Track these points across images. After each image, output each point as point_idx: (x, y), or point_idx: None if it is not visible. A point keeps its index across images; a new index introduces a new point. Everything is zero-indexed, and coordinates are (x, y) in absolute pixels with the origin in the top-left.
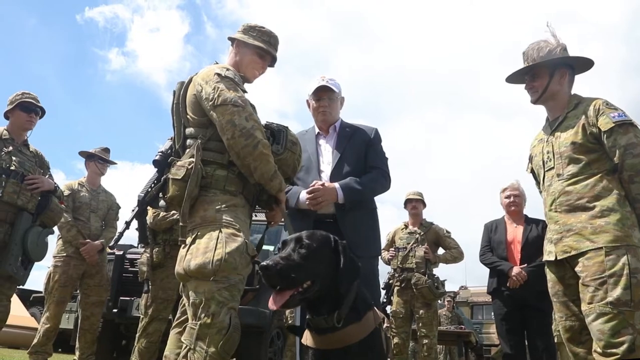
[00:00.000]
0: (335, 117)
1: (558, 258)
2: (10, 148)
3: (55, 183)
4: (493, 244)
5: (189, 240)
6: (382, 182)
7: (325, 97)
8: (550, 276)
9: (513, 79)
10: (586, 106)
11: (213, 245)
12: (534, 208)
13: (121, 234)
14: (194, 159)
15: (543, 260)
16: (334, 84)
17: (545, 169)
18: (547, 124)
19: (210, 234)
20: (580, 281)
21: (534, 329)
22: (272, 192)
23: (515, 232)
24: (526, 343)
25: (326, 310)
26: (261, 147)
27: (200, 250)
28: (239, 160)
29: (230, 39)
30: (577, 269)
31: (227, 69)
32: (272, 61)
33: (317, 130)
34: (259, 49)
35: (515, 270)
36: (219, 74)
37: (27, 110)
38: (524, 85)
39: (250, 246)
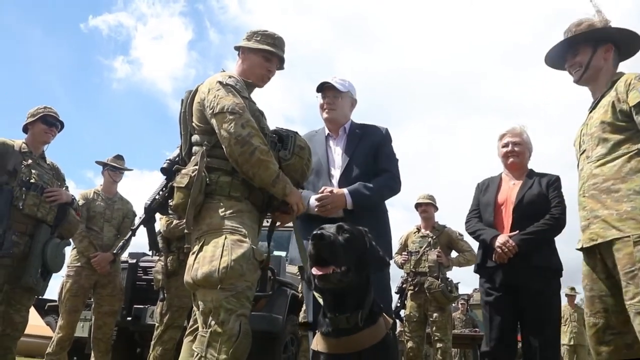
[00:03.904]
0: (342, 117)
1: (584, 246)
2: (30, 161)
3: (72, 195)
4: (481, 206)
5: (196, 248)
6: (392, 185)
7: (330, 95)
8: (583, 268)
9: (552, 61)
10: (619, 82)
11: (219, 253)
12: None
13: (127, 241)
14: (197, 167)
15: (576, 247)
16: (342, 83)
17: (580, 152)
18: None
19: (216, 241)
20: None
21: (527, 319)
22: (278, 197)
23: (510, 191)
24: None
25: (350, 308)
26: (258, 153)
27: (206, 259)
28: (238, 168)
29: (236, 48)
30: (609, 262)
31: (230, 77)
32: (280, 63)
33: (327, 131)
34: (264, 52)
35: (501, 239)
36: (220, 82)
37: (48, 123)
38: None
39: (257, 251)
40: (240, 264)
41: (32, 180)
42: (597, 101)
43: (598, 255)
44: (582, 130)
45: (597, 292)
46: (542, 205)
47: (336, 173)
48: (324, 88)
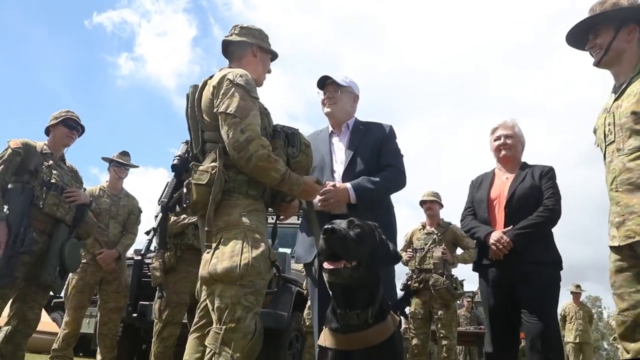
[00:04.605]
0: (342, 112)
1: (621, 244)
2: (51, 162)
3: (90, 197)
4: (475, 203)
5: (213, 244)
6: (396, 180)
7: (330, 90)
8: (610, 264)
9: (573, 41)
10: None
11: (239, 249)
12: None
13: (150, 241)
14: (216, 164)
15: (609, 244)
16: (343, 78)
17: (606, 143)
18: (612, 90)
19: (236, 238)
20: None
21: (523, 300)
22: (293, 196)
23: (502, 186)
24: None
25: (360, 305)
26: (255, 159)
27: (226, 254)
28: (241, 169)
29: (226, 41)
30: None
31: (241, 75)
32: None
33: (330, 128)
34: (273, 54)
35: (495, 235)
36: (230, 80)
37: (69, 127)
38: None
39: (272, 251)
40: (259, 262)
41: (52, 181)
42: (624, 87)
43: (627, 250)
44: (606, 118)
45: (626, 289)
46: (535, 197)
47: (339, 168)
48: (325, 84)
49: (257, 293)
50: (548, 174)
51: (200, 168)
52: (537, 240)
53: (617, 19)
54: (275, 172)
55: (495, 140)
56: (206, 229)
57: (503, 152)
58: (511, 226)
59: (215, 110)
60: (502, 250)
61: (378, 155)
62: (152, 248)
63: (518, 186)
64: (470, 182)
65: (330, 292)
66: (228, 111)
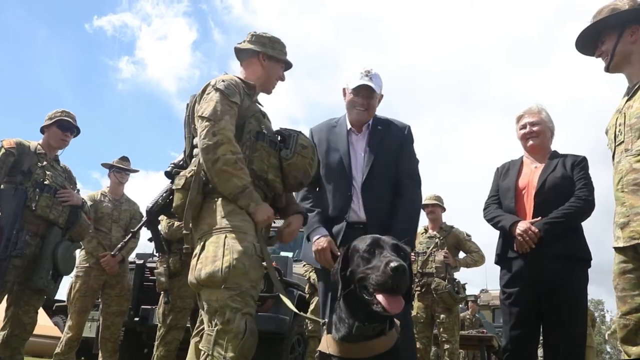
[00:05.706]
0: (371, 117)
1: (625, 245)
2: (44, 163)
3: (82, 199)
4: (501, 192)
5: (198, 248)
6: (419, 202)
7: (364, 95)
8: (614, 266)
9: (583, 48)
10: None
11: (221, 252)
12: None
13: (125, 242)
14: (195, 168)
15: (613, 245)
16: (378, 82)
17: (616, 144)
18: (626, 92)
19: (217, 240)
20: None
21: (549, 314)
22: (248, 212)
23: (531, 175)
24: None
25: (381, 319)
26: (221, 164)
27: (209, 259)
28: (207, 174)
29: (238, 49)
30: None
31: (223, 80)
32: (286, 67)
33: (349, 125)
34: (285, 62)
35: (522, 226)
36: (212, 86)
37: (63, 128)
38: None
39: (258, 247)
40: (242, 262)
41: (46, 182)
42: (636, 87)
43: (630, 252)
44: (618, 119)
45: (629, 292)
46: (566, 188)
47: (359, 177)
48: (360, 88)
49: (245, 294)
50: (581, 164)
51: (181, 173)
52: (567, 234)
53: (617, 23)
54: (238, 180)
55: (521, 129)
56: (184, 232)
57: (530, 142)
58: (539, 217)
59: (195, 115)
60: (528, 242)
61: (396, 158)
62: (144, 252)
63: (549, 175)
64: (495, 169)
65: (344, 304)
66: (203, 115)
